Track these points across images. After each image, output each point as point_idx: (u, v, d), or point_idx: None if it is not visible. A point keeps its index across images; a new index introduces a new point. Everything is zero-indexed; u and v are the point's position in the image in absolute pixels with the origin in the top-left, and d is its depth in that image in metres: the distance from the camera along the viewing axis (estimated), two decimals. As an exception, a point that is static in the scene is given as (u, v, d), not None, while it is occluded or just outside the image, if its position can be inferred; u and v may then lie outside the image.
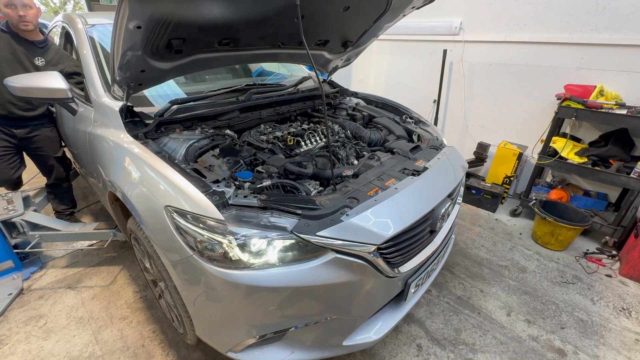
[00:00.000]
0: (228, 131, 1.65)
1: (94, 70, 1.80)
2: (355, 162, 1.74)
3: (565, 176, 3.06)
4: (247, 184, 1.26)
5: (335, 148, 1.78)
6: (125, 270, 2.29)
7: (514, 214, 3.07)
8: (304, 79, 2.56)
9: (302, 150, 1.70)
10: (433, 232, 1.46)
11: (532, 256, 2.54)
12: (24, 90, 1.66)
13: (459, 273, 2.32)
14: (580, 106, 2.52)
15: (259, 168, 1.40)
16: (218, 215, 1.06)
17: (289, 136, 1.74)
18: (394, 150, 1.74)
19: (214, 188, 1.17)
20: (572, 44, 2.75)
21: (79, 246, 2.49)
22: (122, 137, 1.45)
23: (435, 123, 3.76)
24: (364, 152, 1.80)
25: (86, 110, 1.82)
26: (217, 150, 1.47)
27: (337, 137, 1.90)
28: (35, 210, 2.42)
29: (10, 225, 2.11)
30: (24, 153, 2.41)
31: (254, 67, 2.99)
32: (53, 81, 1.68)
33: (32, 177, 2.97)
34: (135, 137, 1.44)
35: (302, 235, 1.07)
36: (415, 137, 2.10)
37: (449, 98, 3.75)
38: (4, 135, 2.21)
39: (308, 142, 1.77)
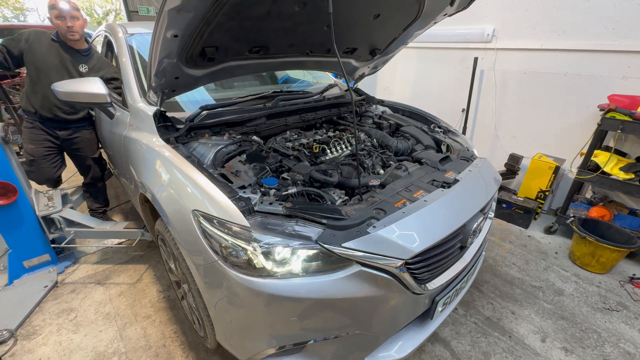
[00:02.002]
0: (255, 137, 1.67)
1: (132, 77, 1.89)
2: (382, 171, 1.70)
3: (607, 193, 2.84)
4: (272, 191, 1.25)
5: (361, 157, 1.75)
6: (151, 270, 2.36)
7: (548, 231, 2.88)
8: (330, 86, 2.56)
9: (327, 158, 1.68)
10: (463, 248, 1.39)
11: (570, 278, 2.36)
12: (68, 94, 1.76)
13: (487, 292, 2.19)
14: (627, 118, 2.33)
15: (285, 175, 1.40)
16: (244, 221, 1.05)
17: (314, 143, 1.73)
18: (422, 161, 1.68)
19: (240, 194, 1.17)
20: (618, 51, 2.57)
21: (109, 244, 2.60)
22: (154, 141, 1.50)
23: (464, 133, 3.63)
24: (391, 162, 1.75)
25: (123, 115, 1.91)
26: (244, 156, 1.48)
27: (363, 145, 1.87)
28: (72, 208, 2.57)
29: (49, 220, 2.24)
30: (65, 153, 2.56)
31: (280, 74, 3.04)
32: (94, 86, 1.78)
33: (70, 176, 3.16)
34: (167, 141, 1.48)
35: (326, 246, 1.04)
36: (444, 148, 2.03)
37: (479, 107, 3.61)
38: (49, 137, 2.36)
39: (334, 150, 1.75)
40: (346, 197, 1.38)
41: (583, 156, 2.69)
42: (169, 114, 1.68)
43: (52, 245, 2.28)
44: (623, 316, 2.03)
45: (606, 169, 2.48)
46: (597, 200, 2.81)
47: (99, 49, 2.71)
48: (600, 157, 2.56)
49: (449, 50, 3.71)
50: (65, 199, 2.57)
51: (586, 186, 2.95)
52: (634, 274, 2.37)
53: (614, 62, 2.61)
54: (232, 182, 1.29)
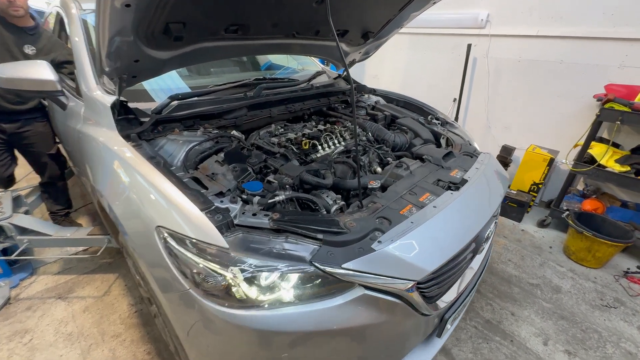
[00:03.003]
0: (234, 132, 1.44)
1: (86, 60, 1.59)
2: (379, 169, 1.52)
3: (599, 185, 2.80)
4: (256, 198, 1.05)
5: (353, 151, 1.56)
6: (121, 279, 2.11)
7: (542, 224, 2.82)
8: (318, 73, 2.33)
9: (318, 155, 1.48)
10: (473, 256, 1.24)
11: (566, 274, 2.30)
12: (8, 81, 1.47)
13: (486, 292, 2.10)
14: (626, 109, 2.26)
15: (270, 178, 1.19)
16: (220, 241, 0.85)
17: (303, 139, 1.52)
18: (423, 157, 1.52)
19: (216, 204, 0.96)
20: (616, 39, 2.48)
21: (68, 254, 2.31)
22: (111, 138, 1.25)
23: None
24: (389, 159, 1.58)
25: (77, 105, 1.63)
26: (222, 154, 1.26)
27: (358, 140, 1.68)
28: (27, 212, 2.25)
29: (-4, 229, 1.94)
30: (16, 150, 2.23)
31: (262, 60, 2.77)
32: (40, 71, 1.49)
33: (28, 173, 2.81)
34: (127, 137, 1.23)
35: (324, 267, 0.86)
36: (443, 141, 1.87)
37: (471, 97, 3.49)
38: (-8, 131, 2.03)
39: (325, 146, 1.55)
40: (342, 202, 1.20)
41: (577, 148, 2.63)
42: (132, 105, 1.42)
43: (2, 258, 1.99)
44: (621, 313, 1.98)
45: (602, 161, 2.42)
46: (590, 192, 2.76)
47: (52, 27, 2.35)
48: (596, 149, 2.49)
49: (441, 37, 3.54)
50: (18, 201, 2.25)
51: (578, 178, 2.90)
52: (628, 268, 2.34)
53: (612, 50, 2.52)
54: (207, 188, 1.08)
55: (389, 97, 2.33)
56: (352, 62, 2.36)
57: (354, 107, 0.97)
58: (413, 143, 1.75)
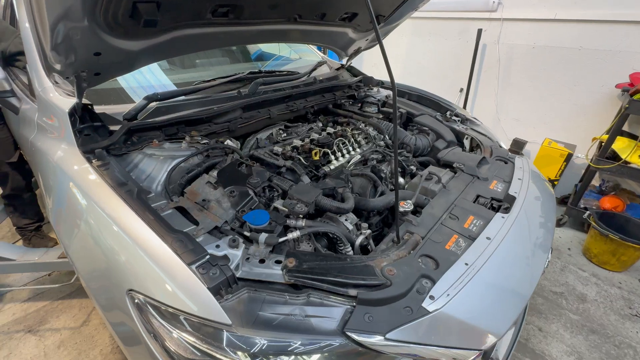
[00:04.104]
0: (229, 141, 1.17)
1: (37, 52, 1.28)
2: (401, 180, 1.29)
3: (618, 181, 2.64)
4: (262, 236, 0.80)
5: (374, 160, 1.32)
6: (102, 305, 1.85)
7: (557, 223, 2.66)
8: (319, 64, 2.05)
9: (332, 168, 1.23)
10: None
11: (589, 279, 2.15)
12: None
13: (509, 304, 1.92)
14: (658, 100, 2.06)
15: (278, 204, 0.94)
16: (220, 315, 0.61)
17: (313, 147, 1.26)
18: (454, 165, 1.29)
19: (210, 251, 0.71)
20: (643, 22, 2.27)
21: (42, 273, 2.03)
22: (68, 156, 0.97)
23: (463, 116, 3.28)
24: (411, 166, 1.34)
25: (30, 109, 1.32)
26: (215, 173, 1.00)
27: (374, 145, 1.43)
28: (-13, 229, 1.95)
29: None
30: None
31: (252, 48, 2.45)
32: (-20, 67, 1.18)
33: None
34: (90, 154, 0.96)
35: (362, 339, 0.63)
36: (466, 142, 1.65)
37: (479, 87, 3.26)
38: None
39: (339, 154, 1.30)
40: (368, 231, 0.96)
41: (596, 141, 2.45)
42: (100, 109, 1.14)
43: (-45, 288, 1.70)
44: (653, 323, 1.85)
45: (626, 157, 2.24)
46: (609, 189, 2.61)
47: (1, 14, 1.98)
48: (619, 144, 2.32)
49: (447, 21, 3.27)
50: (-24, 218, 1.95)
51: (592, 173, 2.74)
52: (654, 271, 2.21)
53: (636, 34, 2.31)
54: (197, 223, 0.82)
55: (400, 91, 2.07)
56: (358, 51, 2.09)
57: (395, 123, 0.72)
58: (436, 146, 1.52)
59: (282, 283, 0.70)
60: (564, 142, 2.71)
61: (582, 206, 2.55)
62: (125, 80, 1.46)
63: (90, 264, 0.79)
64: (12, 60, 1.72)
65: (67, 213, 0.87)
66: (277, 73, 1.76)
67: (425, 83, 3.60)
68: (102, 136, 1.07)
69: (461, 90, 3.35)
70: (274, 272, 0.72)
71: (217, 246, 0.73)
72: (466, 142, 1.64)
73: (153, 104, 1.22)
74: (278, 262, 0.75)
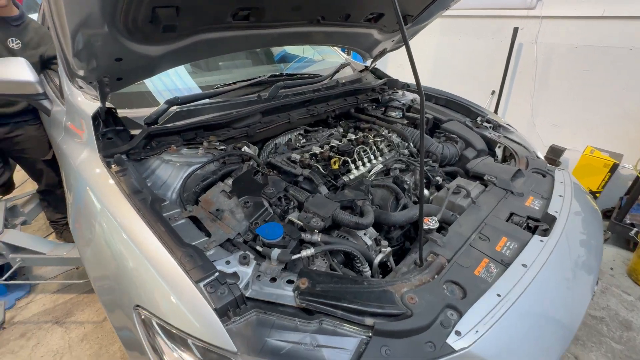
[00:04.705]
0: (246, 148, 1.15)
1: (68, 57, 1.32)
2: (426, 192, 1.21)
3: (671, 195, 2.37)
4: (275, 252, 0.76)
5: (397, 170, 1.25)
6: (123, 301, 1.90)
7: (598, 240, 2.43)
8: (342, 66, 1.99)
9: (351, 177, 1.17)
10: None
11: (635, 304, 1.94)
12: (-21, 84, 1.24)
13: (541, 327, 1.77)
14: None
15: (293, 216, 0.89)
16: (226, 341, 0.57)
17: (332, 154, 1.21)
18: (484, 178, 1.19)
19: (220, 267, 0.68)
20: None
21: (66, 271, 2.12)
22: (88, 161, 0.98)
23: (494, 120, 3.09)
24: (437, 177, 1.25)
25: (60, 112, 1.36)
26: (230, 181, 0.97)
27: (397, 153, 1.36)
28: (24, 222, 2.08)
29: (-15, 247, 1.75)
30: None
31: (275, 49, 2.42)
32: (16, 71, 1.24)
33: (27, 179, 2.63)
34: (110, 158, 0.96)
35: (378, 377, 0.57)
36: (499, 151, 1.53)
37: (513, 89, 3.06)
38: (-20, 136, 1.82)
39: (359, 163, 1.23)
40: (388, 249, 0.90)
41: (649, 151, 2.21)
42: (127, 113, 1.16)
43: (-7, 278, 1.80)
44: None
45: (684, 170, 2.01)
46: (660, 204, 2.35)
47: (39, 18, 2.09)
48: (675, 154, 2.08)
49: (480, 19, 3.10)
50: (14, 211, 2.07)
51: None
52: None
53: (701, 32, 2.06)
54: (209, 235, 0.80)
55: (427, 94, 1.97)
56: (383, 52, 2.01)
57: (422, 151, 0.65)
58: (465, 155, 1.42)
59: (293, 306, 0.66)
60: (608, 150, 2.48)
61: (628, 222, 2.31)
62: (153, 84, 1.48)
63: (100, 274, 0.79)
64: (49, 63, 1.80)
65: (84, 217, 0.88)
66: (299, 76, 1.73)
67: (454, 85, 3.44)
68: (124, 140, 1.07)
69: (493, 92, 3.16)
70: (285, 293, 0.68)
71: (228, 262, 0.70)
72: (498, 152, 1.52)
73: (174, 108, 1.22)
74: (290, 282, 0.70)
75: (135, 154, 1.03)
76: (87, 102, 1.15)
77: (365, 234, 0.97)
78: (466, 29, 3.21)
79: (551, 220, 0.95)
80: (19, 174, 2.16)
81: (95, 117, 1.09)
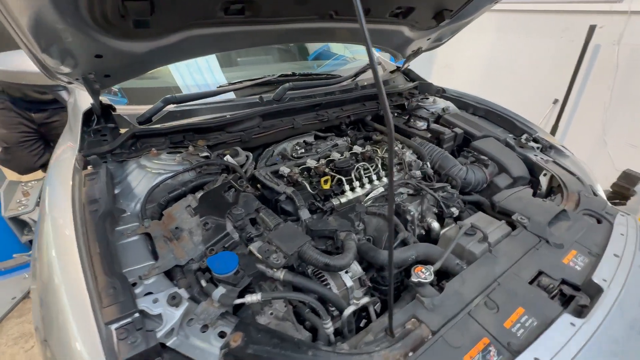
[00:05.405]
0: (229, 157, 1.04)
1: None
2: (435, 225, 1.00)
3: None
4: (218, 291, 0.64)
5: (403, 195, 1.06)
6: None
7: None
8: (368, 66, 1.80)
9: (343, 201, 1.00)
10: None
11: None
12: (5, 74, 1.31)
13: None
14: None
15: (254, 247, 0.76)
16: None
17: (327, 170, 1.06)
18: (512, 217, 0.94)
19: (143, 306, 0.58)
20: None
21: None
22: (63, 157, 0.96)
23: (554, 133, 2.64)
24: (453, 208, 1.03)
25: (71, 104, 1.39)
26: (200, 195, 0.88)
27: (406, 175, 1.16)
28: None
29: (19, 222, 1.91)
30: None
31: (314, 46, 2.26)
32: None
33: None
34: (87, 159, 0.92)
35: None
36: (544, 181, 1.24)
37: (582, 98, 2.58)
38: (22, 120, 1.98)
39: (356, 184, 1.06)
40: (363, 299, 0.73)
41: None
42: (133, 109, 1.13)
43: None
44: None
45: None
46: None
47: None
48: None
49: (545, 15, 2.64)
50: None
51: None
52: None
53: None
54: (156, 258, 0.71)
55: (464, 102, 1.70)
56: (417, 52, 1.77)
57: (391, 158, 0.48)
58: (495, 183, 1.17)
59: (217, 369, 0.54)
60: None
61: None
62: (182, 79, 1.44)
63: (34, 279, 0.74)
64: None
65: (40, 215, 0.84)
66: (313, 76, 1.58)
67: (508, 90, 3.03)
68: (114, 139, 1.04)
69: (555, 101, 2.70)
70: (211, 350, 0.56)
71: (155, 300, 0.60)
72: (543, 181, 1.23)
73: (170, 107, 1.16)
74: (222, 335, 0.58)
75: (117, 155, 0.99)
76: (86, 95, 1.14)
77: (347, 272, 0.81)
78: (528, 25, 2.77)
79: (596, 291, 0.70)
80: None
81: (90, 113, 1.07)
